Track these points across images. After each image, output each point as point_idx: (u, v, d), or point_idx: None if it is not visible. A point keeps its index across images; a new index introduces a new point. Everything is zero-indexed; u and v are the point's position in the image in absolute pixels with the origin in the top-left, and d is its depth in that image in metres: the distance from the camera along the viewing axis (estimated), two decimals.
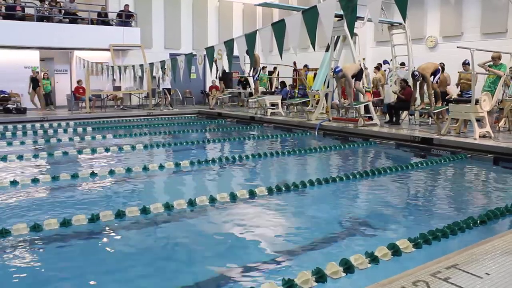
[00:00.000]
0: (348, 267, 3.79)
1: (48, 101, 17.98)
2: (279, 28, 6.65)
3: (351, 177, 7.42)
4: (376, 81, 15.26)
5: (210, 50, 8.57)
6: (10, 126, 13.90)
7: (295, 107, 17.14)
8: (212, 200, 6.03)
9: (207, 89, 21.64)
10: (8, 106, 16.56)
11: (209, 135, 13.69)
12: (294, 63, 19.30)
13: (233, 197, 6.18)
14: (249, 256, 4.33)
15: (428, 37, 16.95)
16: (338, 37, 13.82)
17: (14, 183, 7.00)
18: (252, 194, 6.33)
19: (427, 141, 10.15)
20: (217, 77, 19.71)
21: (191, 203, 5.84)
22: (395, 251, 4.14)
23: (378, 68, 16.02)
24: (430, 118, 12.65)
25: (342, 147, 10.57)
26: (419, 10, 16.82)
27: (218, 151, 10.62)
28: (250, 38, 7.39)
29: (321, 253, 4.42)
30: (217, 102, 19.78)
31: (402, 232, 4.82)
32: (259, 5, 17.57)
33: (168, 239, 4.97)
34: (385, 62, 16.91)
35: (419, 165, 8.46)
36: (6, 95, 17.07)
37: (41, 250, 4.58)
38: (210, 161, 8.78)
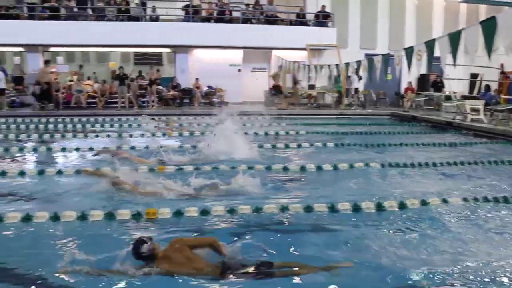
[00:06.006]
0: None
1: None
2: (488, 26, 6.17)
3: None
4: None
5: (409, 51, 8.34)
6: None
7: (500, 114, 15.59)
8: (379, 206, 5.99)
9: (402, 91, 20.96)
10: (214, 99, 18.31)
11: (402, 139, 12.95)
12: (501, 65, 17.66)
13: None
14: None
15: None
16: None
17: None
18: (444, 201, 6.12)
19: None
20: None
21: (379, 206, 5.95)
22: None
23: None
24: None
25: None
26: None
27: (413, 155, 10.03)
28: (454, 38, 7.00)
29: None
30: (412, 105, 19.04)
31: None
32: (464, 1, 16.43)
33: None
34: None
35: None
36: (212, 90, 18.85)
37: None
38: (402, 165, 8.47)
